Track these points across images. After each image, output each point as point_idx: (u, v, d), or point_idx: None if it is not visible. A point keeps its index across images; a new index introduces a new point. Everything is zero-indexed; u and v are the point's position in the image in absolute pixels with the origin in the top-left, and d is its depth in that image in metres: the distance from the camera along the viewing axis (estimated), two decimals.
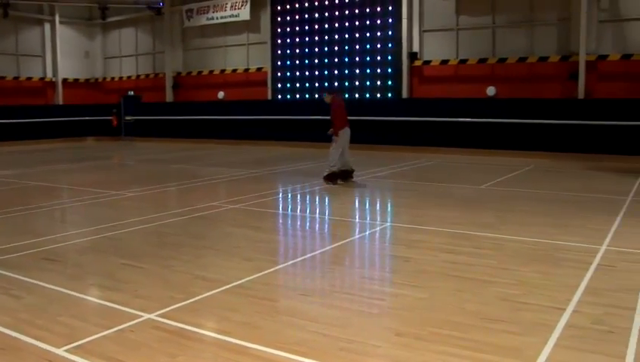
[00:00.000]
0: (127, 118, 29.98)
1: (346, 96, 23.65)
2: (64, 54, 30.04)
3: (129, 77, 31.10)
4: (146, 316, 5.02)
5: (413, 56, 22.21)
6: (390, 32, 22.57)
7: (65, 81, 30.33)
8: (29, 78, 29.27)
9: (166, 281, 6.09)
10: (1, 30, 27.81)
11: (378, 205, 11.32)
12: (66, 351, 4.35)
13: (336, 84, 23.71)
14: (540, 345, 4.36)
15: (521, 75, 20.22)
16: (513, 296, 5.48)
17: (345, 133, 13.20)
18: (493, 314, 5.06)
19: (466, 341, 4.48)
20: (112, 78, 31.80)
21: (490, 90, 20.75)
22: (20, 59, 28.85)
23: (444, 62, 21.77)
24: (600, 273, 5.87)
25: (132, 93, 30.42)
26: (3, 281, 6.09)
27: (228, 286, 5.83)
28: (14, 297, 5.62)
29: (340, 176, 13.28)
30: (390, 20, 22.53)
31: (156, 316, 5.02)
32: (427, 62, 22.15)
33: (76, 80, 31.02)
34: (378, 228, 8.85)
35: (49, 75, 29.93)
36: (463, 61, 21.45)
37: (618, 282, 5.92)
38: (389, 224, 9.27)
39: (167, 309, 5.17)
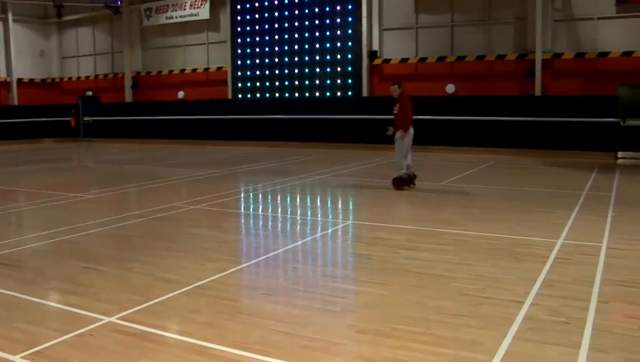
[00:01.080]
0: (86, 118, 29.51)
1: (306, 95, 23.70)
2: (18, 53, 29.41)
3: (87, 77, 30.61)
4: (107, 319, 4.96)
5: (373, 54, 22.36)
6: (350, 31, 22.68)
7: (20, 81, 29.70)
8: None
9: (127, 284, 6.02)
10: None
11: (339, 203, 11.36)
12: (23, 357, 4.27)
13: (296, 82, 23.75)
14: (500, 338, 4.44)
15: (479, 73, 20.52)
16: (473, 291, 5.57)
17: (411, 133, 12.07)
18: (454, 309, 5.13)
19: (427, 336, 4.54)
20: (70, 78, 31.26)
21: (450, 88, 21.02)
22: None
23: (404, 60, 21.96)
24: (557, 266, 5.99)
25: (90, 93, 29.97)
26: None
27: (190, 287, 5.79)
28: None
29: (408, 182, 12.07)
30: (350, 19, 22.64)
31: (117, 319, 4.96)
32: (387, 61, 22.32)
33: (32, 80, 30.41)
34: (340, 226, 8.89)
35: (3, 74, 29.27)
36: (422, 59, 21.66)
37: (574, 274, 6.06)
38: (350, 222, 9.32)
39: (128, 312, 5.12)
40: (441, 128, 20.28)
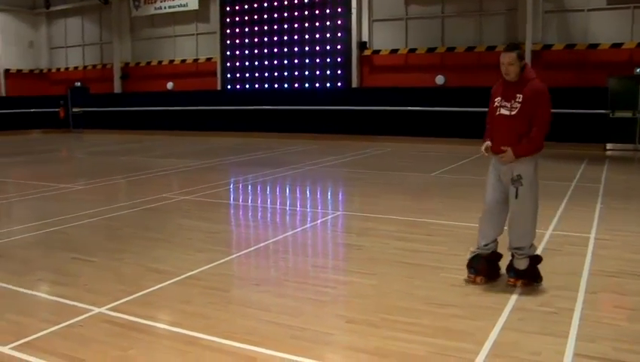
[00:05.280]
0: (75, 109, 29.34)
1: (296, 85, 23.65)
2: (6, 44, 29.13)
3: (76, 67, 30.37)
4: (97, 310, 4.95)
5: (362, 45, 22.33)
6: (340, 22, 22.63)
7: (7, 71, 29.44)
8: None
9: (117, 274, 6.00)
10: None
11: (329, 194, 11.37)
12: (12, 348, 4.25)
13: (286, 73, 23.69)
14: (489, 329, 4.47)
15: (469, 64, 20.52)
16: (462, 282, 5.60)
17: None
18: (443, 299, 5.16)
19: (417, 326, 4.56)
20: (58, 69, 31.01)
21: (440, 79, 21.03)
22: None
23: (394, 51, 21.94)
24: (546, 257, 5.99)
25: (79, 84, 29.77)
26: None
27: (180, 278, 5.79)
28: None
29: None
30: (340, 10, 22.58)
31: (107, 309, 4.95)
32: (377, 52, 22.29)
33: (20, 71, 30.15)
34: (330, 217, 8.90)
35: None
36: (412, 50, 21.65)
37: (563, 265, 6.10)
38: (340, 213, 9.32)
39: (118, 302, 5.11)
40: (431, 119, 20.33)
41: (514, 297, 5.14)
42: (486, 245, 5.64)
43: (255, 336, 4.40)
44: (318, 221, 8.71)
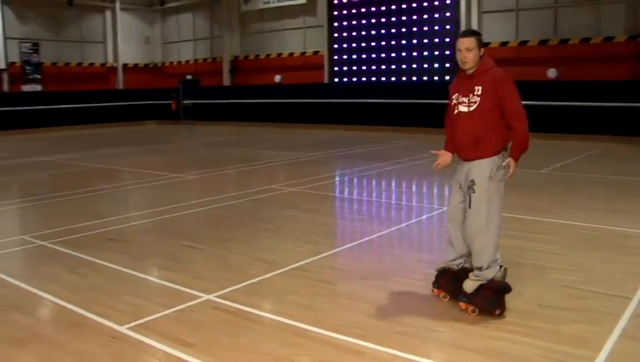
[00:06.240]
0: (186, 101, 30.41)
1: (403, 79, 23.42)
2: (124, 40, 30.62)
3: (187, 61, 31.49)
4: (206, 297, 5.10)
5: None
6: (448, 14, 22.19)
7: (125, 66, 30.93)
8: (92, 64, 29.95)
9: (225, 263, 6.16)
10: (66, 18, 28.55)
11: (435, 189, 11.19)
12: (129, 328, 4.46)
13: (393, 67, 23.51)
14: (605, 335, 4.24)
15: (585, 56, 19.57)
16: (575, 283, 5.34)
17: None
18: (555, 301, 4.94)
19: (526, 327, 4.40)
20: (171, 63, 32.27)
21: (552, 73, 20.19)
22: (83, 45, 29.54)
23: (504, 43, 21.28)
24: None
25: (190, 77, 30.82)
26: (70, 261, 6.29)
27: (286, 269, 5.86)
28: (80, 276, 5.79)
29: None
30: (448, 1, 22.14)
31: (216, 297, 5.09)
32: (486, 44, 21.58)
33: (136, 65, 31.59)
34: (436, 213, 8.75)
35: (110, 60, 30.56)
36: (523, 42, 20.92)
37: None
38: (446, 208, 9.15)
39: (227, 290, 5.24)
40: (542, 114, 19.52)
41: (634, 303, 4.85)
42: (453, 260, 4.99)
43: (361, 330, 4.38)
44: (424, 216, 8.59)
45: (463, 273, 4.86)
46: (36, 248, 6.92)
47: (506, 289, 4.72)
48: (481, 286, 4.67)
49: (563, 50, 20.10)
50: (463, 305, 4.73)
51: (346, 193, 10.84)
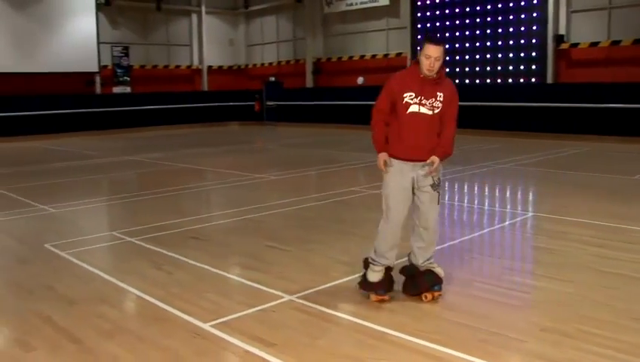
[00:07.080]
0: (269, 103, 30.83)
1: (488, 81, 22.93)
2: (209, 43, 31.35)
3: (270, 63, 31.92)
4: (287, 297, 5.12)
5: (559, 38, 21.08)
6: (535, 14, 21.56)
7: (210, 68, 31.66)
8: (178, 66, 30.83)
9: (306, 264, 6.19)
10: (154, 22, 29.54)
11: (520, 194, 10.89)
12: (212, 326, 4.54)
13: (477, 69, 23.07)
14: None
15: None
16: None
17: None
18: None
19: (617, 342, 4.19)
20: (254, 65, 32.79)
21: None
22: (169, 48, 30.46)
23: (594, 44, 20.48)
24: None
25: (273, 79, 31.23)
26: (156, 257, 6.47)
27: None
28: (166, 272, 5.94)
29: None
30: (535, 1, 21.52)
31: (297, 298, 5.11)
32: (575, 45, 20.96)
33: (220, 67, 32.28)
34: (519, 218, 8.51)
35: (195, 62, 31.35)
36: (615, 42, 20.07)
37: None
38: (530, 214, 8.89)
39: (308, 291, 5.25)
40: (636, 118, 18.70)
41: None
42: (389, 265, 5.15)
43: (442, 336, 4.30)
44: (507, 222, 8.37)
45: (391, 270, 5.17)
46: (124, 244, 7.16)
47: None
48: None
49: None
50: (439, 293, 5.07)
51: None
